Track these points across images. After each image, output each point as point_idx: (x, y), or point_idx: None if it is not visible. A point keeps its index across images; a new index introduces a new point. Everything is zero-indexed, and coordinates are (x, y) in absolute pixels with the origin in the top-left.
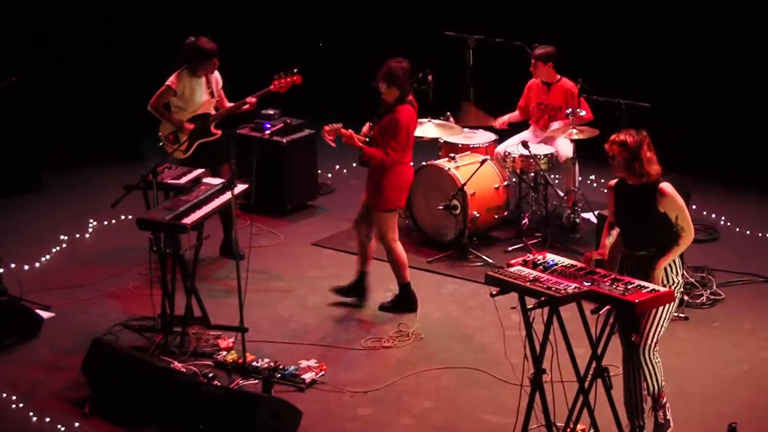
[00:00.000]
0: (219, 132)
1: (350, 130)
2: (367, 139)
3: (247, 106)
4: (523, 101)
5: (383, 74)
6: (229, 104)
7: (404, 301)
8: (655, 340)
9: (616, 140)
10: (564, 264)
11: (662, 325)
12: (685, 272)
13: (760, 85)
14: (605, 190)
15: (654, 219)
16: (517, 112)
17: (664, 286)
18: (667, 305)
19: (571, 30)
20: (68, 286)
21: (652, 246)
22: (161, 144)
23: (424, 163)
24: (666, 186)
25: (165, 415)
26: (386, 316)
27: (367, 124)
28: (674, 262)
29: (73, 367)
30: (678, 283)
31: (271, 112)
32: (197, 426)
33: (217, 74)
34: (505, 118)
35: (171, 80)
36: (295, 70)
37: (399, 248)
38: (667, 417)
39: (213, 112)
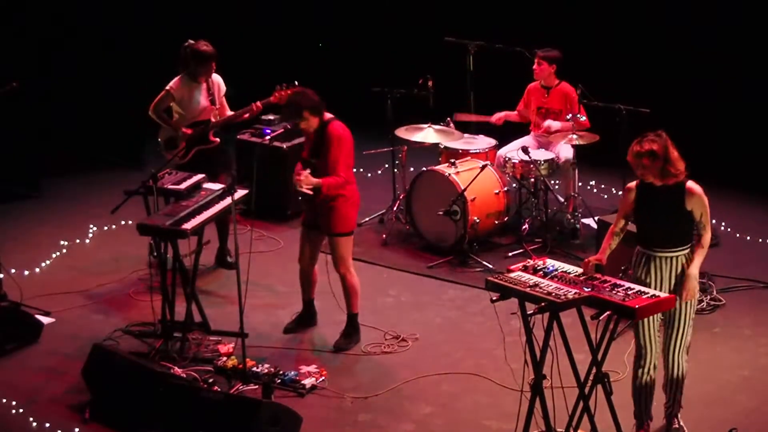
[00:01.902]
0: (217, 140)
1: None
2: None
3: (247, 115)
4: (522, 104)
5: (302, 109)
6: (230, 112)
7: (355, 333)
8: (689, 341)
9: (643, 151)
10: (564, 269)
11: (691, 326)
12: None
13: (760, 89)
14: (620, 192)
15: (679, 218)
16: (515, 112)
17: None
18: (692, 306)
19: (571, 36)
20: (68, 292)
21: (677, 246)
22: (159, 149)
23: (424, 169)
24: (693, 185)
25: (165, 421)
26: (387, 321)
27: (298, 165)
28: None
29: (73, 373)
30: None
31: (271, 117)
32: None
33: (219, 81)
34: (501, 114)
35: (170, 85)
36: (296, 83)
37: (355, 275)
38: (681, 424)
39: (213, 119)
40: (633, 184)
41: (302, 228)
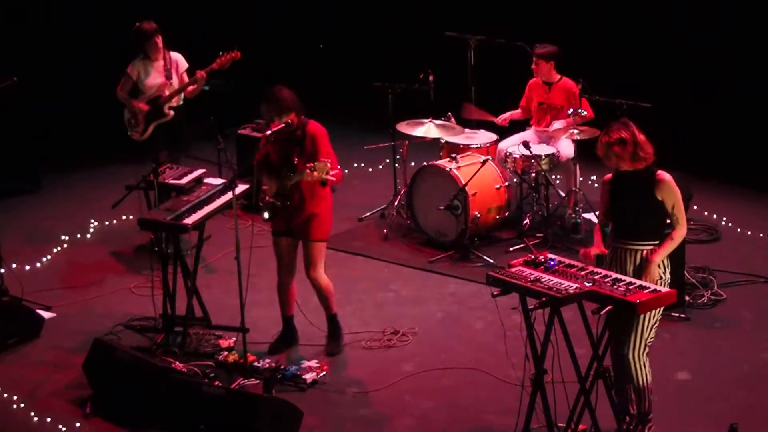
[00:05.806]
0: (171, 113)
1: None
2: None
3: (196, 86)
4: (525, 101)
5: (279, 106)
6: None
7: (340, 331)
8: (644, 344)
9: (612, 140)
10: (565, 264)
11: (651, 328)
12: (686, 272)
13: (761, 85)
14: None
15: (650, 207)
16: (519, 110)
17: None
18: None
19: (573, 30)
20: (69, 287)
21: (644, 238)
22: (125, 129)
23: (425, 164)
24: (664, 173)
25: (166, 415)
26: (387, 315)
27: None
28: (664, 259)
29: (74, 368)
30: (666, 280)
31: None
32: (198, 426)
33: (179, 59)
34: (506, 115)
35: (129, 67)
36: (234, 47)
37: (326, 276)
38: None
39: (166, 93)
40: (609, 176)
41: (274, 238)
